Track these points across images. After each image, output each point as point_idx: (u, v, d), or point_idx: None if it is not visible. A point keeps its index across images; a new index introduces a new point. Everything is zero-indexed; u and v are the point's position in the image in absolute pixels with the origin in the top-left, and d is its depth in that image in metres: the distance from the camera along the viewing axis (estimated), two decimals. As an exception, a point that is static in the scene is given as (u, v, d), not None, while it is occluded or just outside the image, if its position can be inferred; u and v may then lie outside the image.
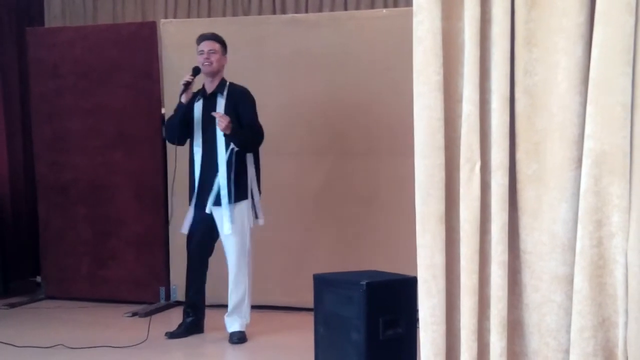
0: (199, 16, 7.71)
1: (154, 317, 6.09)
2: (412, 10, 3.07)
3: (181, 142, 5.46)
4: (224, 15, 7.68)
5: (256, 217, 5.38)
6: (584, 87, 2.89)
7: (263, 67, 6.31)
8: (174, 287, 6.52)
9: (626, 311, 2.83)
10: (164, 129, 5.72)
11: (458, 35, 3.08)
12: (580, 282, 2.87)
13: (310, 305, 4.43)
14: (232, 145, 5.21)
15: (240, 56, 6.32)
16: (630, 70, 2.79)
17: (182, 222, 5.46)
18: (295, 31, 6.29)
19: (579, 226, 2.88)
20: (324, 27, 6.28)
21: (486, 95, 3.04)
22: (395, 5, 7.27)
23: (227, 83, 5.37)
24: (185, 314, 5.55)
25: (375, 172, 6.14)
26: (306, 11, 7.44)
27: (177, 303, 6.46)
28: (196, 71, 5.32)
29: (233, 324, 5.40)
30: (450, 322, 3.12)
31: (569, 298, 2.94)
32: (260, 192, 5.39)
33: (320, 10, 7.41)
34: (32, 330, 5.70)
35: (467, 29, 3.01)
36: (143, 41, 6.51)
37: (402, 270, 4.32)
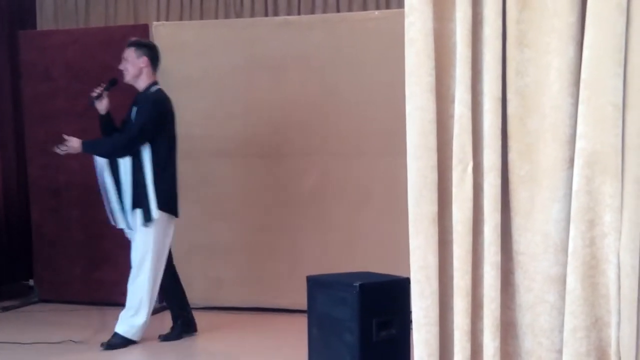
0: (191, 18, 7.70)
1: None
2: (404, 12, 3.07)
3: None
4: (216, 17, 7.68)
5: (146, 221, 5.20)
6: (576, 87, 2.90)
7: (255, 69, 6.31)
8: (167, 289, 6.52)
9: (619, 311, 2.84)
10: None
11: (450, 37, 3.08)
12: (573, 282, 2.88)
13: (304, 307, 4.43)
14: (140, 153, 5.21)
15: (232, 58, 6.34)
16: (621, 71, 2.80)
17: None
18: (288, 33, 6.29)
19: (572, 226, 2.88)
20: (316, 29, 6.28)
21: (478, 97, 3.05)
22: (388, 7, 7.28)
23: (152, 89, 5.33)
24: (174, 318, 5.54)
25: (368, 174, 6.14)
26: (298, 13, 7.44)
27: (171, 305, 6.46)
28: (111, 82, 5.35)
29: (121, 325, 5.26)
30: (444, 323, 3.12)
31: (562, 298, 2.95)
32: (158, 198, 5.20)
33: (312, 12, 7.41)
34: (25, 333, 5.67)
35: (458, 30, 3.01)
36: (135, 44, 6.50)
37: (395, 271, 4.33)
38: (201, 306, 6.23)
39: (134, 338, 5.25)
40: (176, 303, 5.53)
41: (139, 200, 5.19)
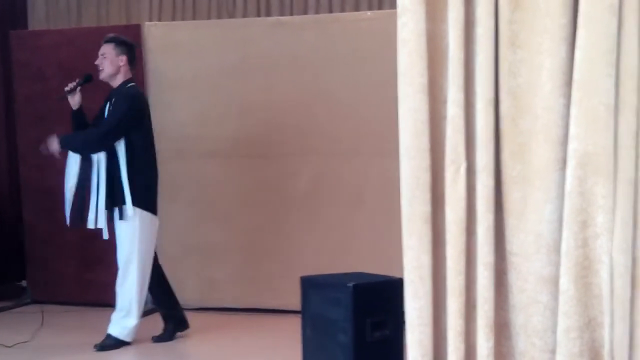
0: (183, 19, 7.69)
1: (141, 319, 6.08)
2: (396, 13, 3.07)
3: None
4: (208, 17, 7.66)
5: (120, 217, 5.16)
6: (568, 88, 2.91)
7: (248, 70, 6.30)
8: (160, 290, 6.50)
9: (612, 311, 2.84)
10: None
11: (442, 37, 3.08)
12: (566, 282, 2.88)
13: (298, 307, 4.43)
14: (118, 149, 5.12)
15: (225, 58, 6.33)
16: (613, 72, 2.81)
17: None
18: (280, 33, 6.28)
19: (564, 227, 2.89)
20: (308, 30, 6.28)
21: (471, 97, 3.05)
22: (380, 7, 7.27)
23: (128, 85, 5.24)
24: (165, 319, 5.48)
25: (361, 174, 6.14)
26: (291, 14, 7.43)
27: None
28: (86, 78, 5.26)
29: (113, 327, 5.25)
30: (437, 323, 3.13)
31: (555, 299, 2.95)
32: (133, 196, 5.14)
33: (304, 12, 7.41)
34: (18, 334, 5.66)
35: (451, 31, 3.02)
36: (128, 44, 6.48)
37: (389, 271, 4.32)
38: (195, 307, 6.22)
39: (127, 339, 5.24)
40: (166, 303, 5.50)
41: (116, 198, 5.11)
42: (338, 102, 6.15)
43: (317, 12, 7.35)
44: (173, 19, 7.70)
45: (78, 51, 6.58)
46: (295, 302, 4.52)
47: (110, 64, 5.20)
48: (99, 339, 5.24)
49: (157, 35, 6.50)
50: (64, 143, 5.20)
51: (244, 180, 6.39)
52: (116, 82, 5.25)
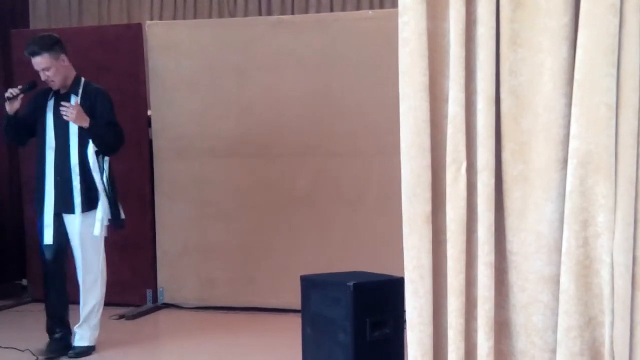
0: (185, 18, 7.71)
1: (141, 319, 6.09)
2: (398, 12, 3.07)
3: (22, 143, 5.26)
4: (210, 17, 7.69)
5: (115, 224, 5.09)
6: (569, 88, 2.90)
7: (249, 69, 6.31)
8: (161, 289, 6.50)
9: (612, 311, 2.84)
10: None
11: (444, 36, 3.08)
12: (567, 282, 2.88)
13: (298, 307, 4.43)
14: (88, 149, 4.92)
15: (226, 58, 6.34)
16: (614, 72, 2.81)
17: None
18: (282, 33, 6.29)
19: (565, 227, 2.88)
20: (310, 29, 6.28)
21: (472, 96, 3.05)
22: (382, 6, 7.29)
23: (83, 81, 5.07)
24: (51, 332, 5.18)
25: (362, 173, 6.14)
26: (292, 13, 7.45)
27: (165, 305, 6.44)
28: (31, 85, 4.97)
29: (83, 338, 5.12)
30: (438, 322, 3.12)
31: (556, 298, 2.95)
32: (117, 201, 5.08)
33: (306, 12, 7.43)
34: (18, 333, 5.66)
35: (452, 30, 3.01)
36: (129, 43, 6.49)
37: (390, 271, 4.33)
38: (194, 306, 6.22)
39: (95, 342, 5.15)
40: (61, 315, 5.24)
41: (94, 202, 4.97)
42: (339, 101, 6.16)
43: (318, 11, 7.38)
44: (174, 18, 7.72)
45: (79, 51, 6.56)
46: (295, 302, 4.53)
47: (58, 72, 4.93)
48: (100, 338, 5.23)
49: (158, 35, 6.51)
50: (96, 126, 4.89)
51: (244, 180, 6.39)
52: (69, 81, 5.04)
